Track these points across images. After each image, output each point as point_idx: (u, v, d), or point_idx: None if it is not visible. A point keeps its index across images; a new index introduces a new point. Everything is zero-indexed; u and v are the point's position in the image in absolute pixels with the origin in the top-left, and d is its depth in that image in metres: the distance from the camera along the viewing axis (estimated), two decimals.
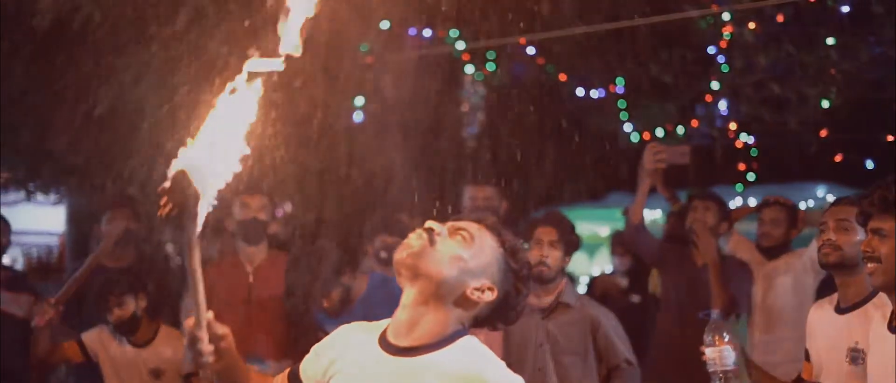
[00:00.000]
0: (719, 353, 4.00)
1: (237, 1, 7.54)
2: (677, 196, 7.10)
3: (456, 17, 9.64)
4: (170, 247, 8.08)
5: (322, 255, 6.90)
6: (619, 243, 8.83)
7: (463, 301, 2.74)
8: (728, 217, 6.54)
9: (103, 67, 7.73)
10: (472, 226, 2.81)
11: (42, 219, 11.40)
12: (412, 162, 9.62)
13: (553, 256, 5.40)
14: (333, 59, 8.15)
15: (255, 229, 6.28)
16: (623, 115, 10.69)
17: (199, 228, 2.66)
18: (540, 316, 5.46)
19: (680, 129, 10.45)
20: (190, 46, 7.70)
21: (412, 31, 9.48)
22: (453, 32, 9.55)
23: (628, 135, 10.67)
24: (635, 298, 8.08)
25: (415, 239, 2.76)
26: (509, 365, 5.06)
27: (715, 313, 4.13)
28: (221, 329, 2.83)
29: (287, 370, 3.04)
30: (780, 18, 9.51)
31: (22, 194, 9.50)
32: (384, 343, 2.79)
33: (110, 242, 6.86)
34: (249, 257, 6.31)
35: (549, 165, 12.42)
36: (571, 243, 5.50)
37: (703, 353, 4.05)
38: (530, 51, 10.04)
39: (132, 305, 6.01)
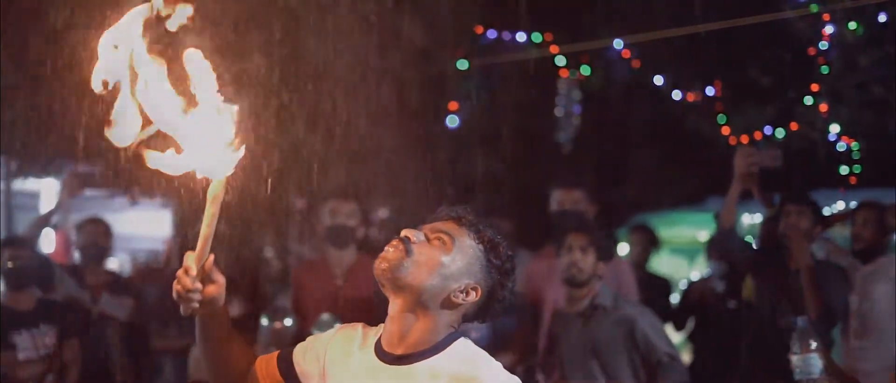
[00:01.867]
0: (804, 361, 3.98)
1: None
2: (773, 200, 6.97)
3: (552, 21, 9.66)
4: (266, 251, 8.21)
5: None
6: (714, 248, 8.70)
7: (448, 304, 2.74)
8: (822, 221, 6.41)
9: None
10: (450, 227, 2.78)
11: (149, 224, 11.66)
12: (506, 165, 9.65)
13: (585, 261, 5.51)
14: (428, 64, 8.23)
15: (342, 234, 6.39)
16: (721, 118, 10.59)
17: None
18: (580, 323, 5.54)
19: (779, 132, 10.30)
20: (286, 51, 7.84)
21: (507, 36, 9.52)
22: (548, 36, 9.56)
23: (727, 137, 10.56)
24: (731, 304, 7.93)
25: (391, 250, 2.73)
26: (563, 375, 5.07)
27: (801, 320, 4.08)
28: (219, 277, 2.86)
29: (276, 352, 3.04)
30: (881, 18, 9.31)
31: (127, 200, 9.74)
32: (379, 351, 2.79)
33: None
34: (338, 261, 6.44)
35: (648, 169, 12.36)
36: (603, 249, 5.57)
37: (790, 361, 4.02)
38: (626, 54, 10.01)
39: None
